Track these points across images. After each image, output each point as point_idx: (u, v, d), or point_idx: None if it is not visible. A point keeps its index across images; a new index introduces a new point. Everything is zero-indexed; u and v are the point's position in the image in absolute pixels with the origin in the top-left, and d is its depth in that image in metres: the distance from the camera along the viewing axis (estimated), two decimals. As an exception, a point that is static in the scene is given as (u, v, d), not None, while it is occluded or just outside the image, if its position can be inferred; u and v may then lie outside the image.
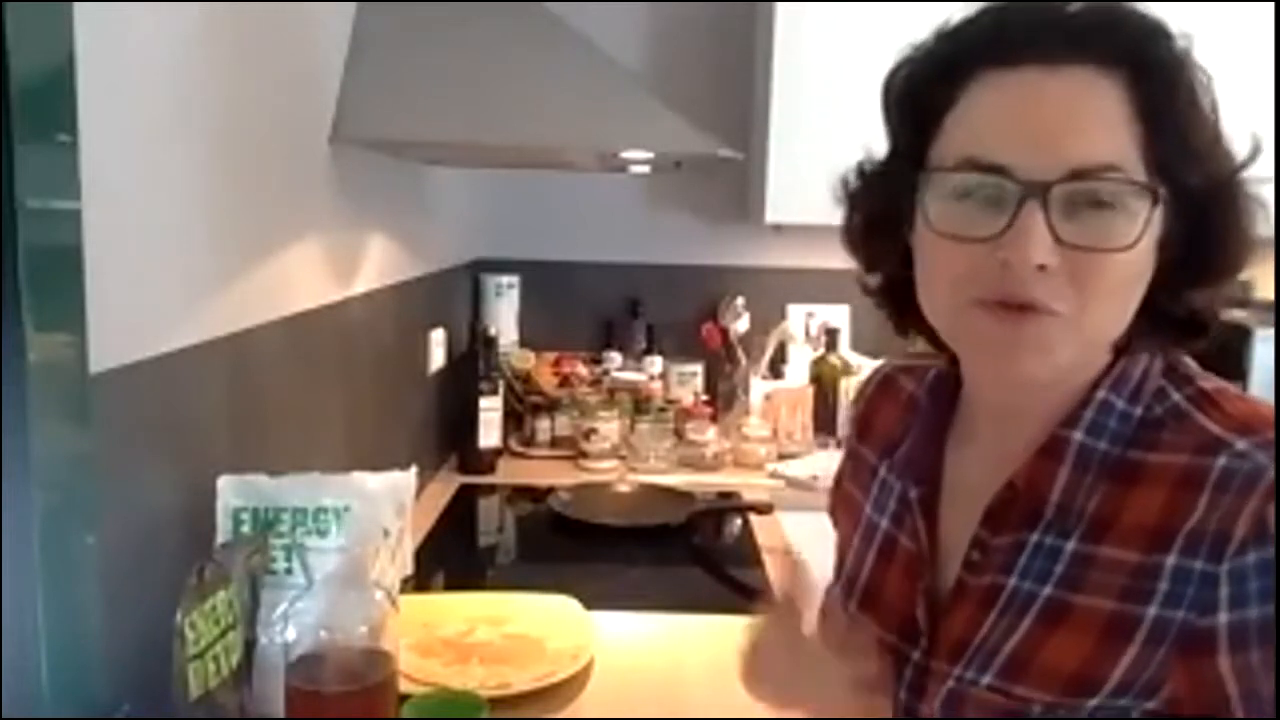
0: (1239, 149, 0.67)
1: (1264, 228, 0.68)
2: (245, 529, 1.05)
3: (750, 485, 2.10)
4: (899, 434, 0.83)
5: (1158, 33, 0.65)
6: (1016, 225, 0.62)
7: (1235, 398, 0.68)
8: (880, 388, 0.90)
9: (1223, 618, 0.61)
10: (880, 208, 0.74)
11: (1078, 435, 0.69)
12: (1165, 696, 0.63)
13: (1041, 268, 0.62)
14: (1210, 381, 0.70)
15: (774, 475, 2.14)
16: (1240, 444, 0.64)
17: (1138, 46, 0.64)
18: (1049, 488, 0.69)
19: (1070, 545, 0.68)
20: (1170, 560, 0.63)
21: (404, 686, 1.03)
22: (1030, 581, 0.69)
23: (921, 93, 0.69)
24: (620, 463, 2.22)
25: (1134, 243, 0.62)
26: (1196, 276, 0.68)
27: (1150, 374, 0.70)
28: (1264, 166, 0.68)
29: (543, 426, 2.30)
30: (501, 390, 2.18)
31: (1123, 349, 0.70)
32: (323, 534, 1.05)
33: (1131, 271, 0.65)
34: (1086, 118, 0.63)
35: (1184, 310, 0.69)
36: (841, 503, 0.91)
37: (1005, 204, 0.63)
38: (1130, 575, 0.65)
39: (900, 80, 0.72)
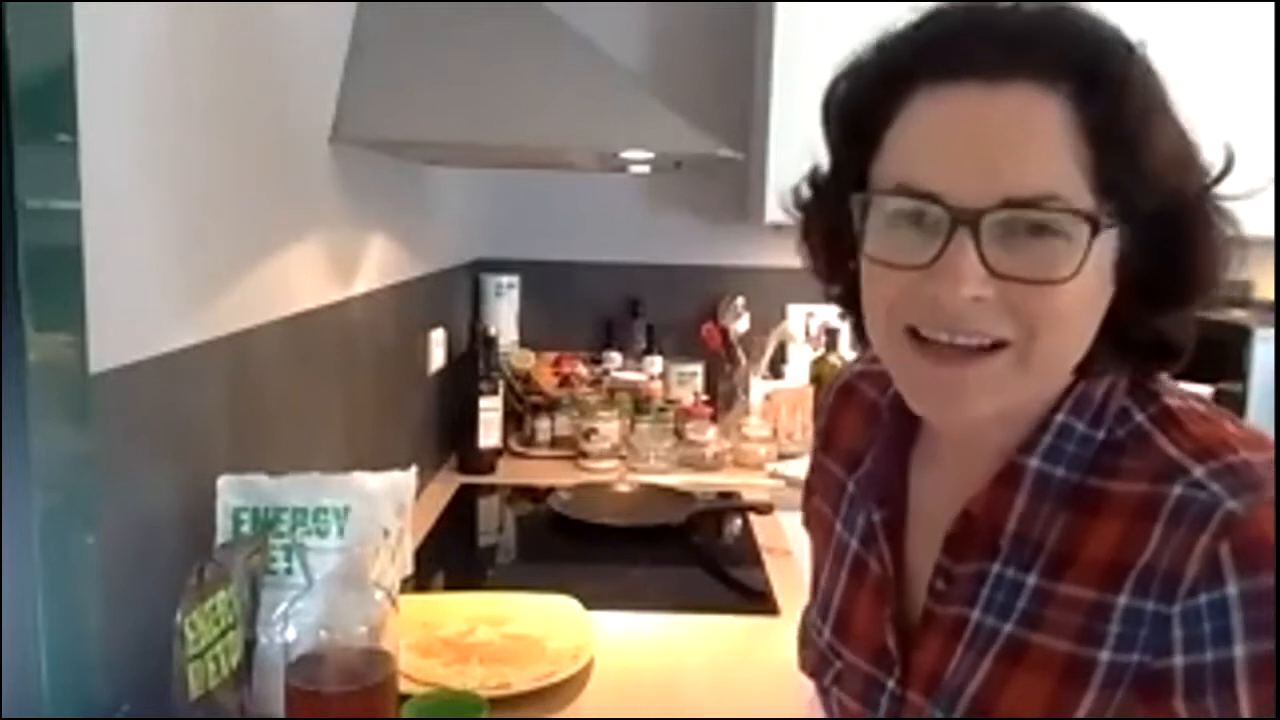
0: (1210, 161, 0.62)
1: (1239, 237, 0.63)
2: (245, 529, 1.05)
3: (750, 485, 2.10)
4: (863, 446, 0.80)
5: (1108, 43, 0.60)
6: (946, 255, 0.59)
7: (1199, 417, 0.65)
8: (841, 396, 0.86)
9: (1178, 660, 0.59)
10: (831, 222, 0.70)
11: (1034, 462, 0.66)
12: None
13: (977, 299, 0.59)
14: (1176, 398, 0.67)
15: (774, 475, 2.14)
16: (1197, 471, 0.61)
17: (1085, 59, 0.59)
18: (1005, 517, 0.66)
19: (1031, 580, 0.65)
20: (1122, 600, 0.61)
21: (404, 686, 1.03)
22: (993, 617, 0.67)
23: (859, 109, 0.66)
24: (620, 463, 2.21)
25: (1074, 273, 0.58)
26: (1161, 299, 0.63)
27: (1114, 394, 0.67)
28: (1260, 175, 0.64)
29: (543, 426, 2.30)
30: (501, 390, 2.18)
31: (1086, 371, 0.66)
32: (323, 534, 1.05)
33: (1078, 301, 0.61)
34: (1024, 142, 0.58)
35: (1151, 334, 0.65)
36: (813, 516, 0.89)
37: (936, 232, 0.59)
38: (1086, 615, 0.62)
39: (838, 95, 0.68)
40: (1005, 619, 0.66)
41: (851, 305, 0.72)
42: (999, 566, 0.67)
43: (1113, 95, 0.59)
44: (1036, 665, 0.64)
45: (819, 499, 0.87)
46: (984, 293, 0.59)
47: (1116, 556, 0.62)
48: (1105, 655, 0.62)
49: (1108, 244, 0.60)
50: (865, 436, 0.80)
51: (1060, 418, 0.66)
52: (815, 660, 0.82)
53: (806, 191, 0.73)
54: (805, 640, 0.86)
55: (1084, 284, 0.60)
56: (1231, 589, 0.57)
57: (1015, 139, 0.59)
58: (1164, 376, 0.68)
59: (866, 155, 0.65)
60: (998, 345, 0.61)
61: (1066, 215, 0.58)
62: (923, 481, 0.76)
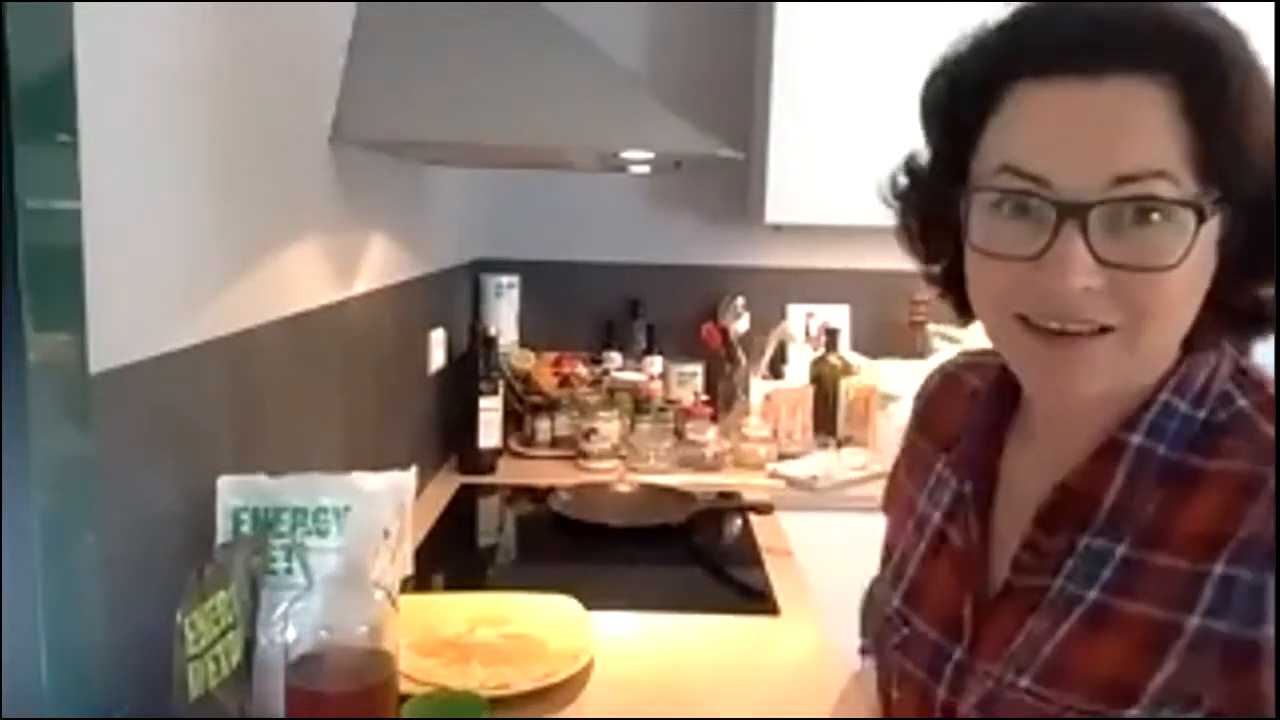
0: None
1: None
2: (245, 529, 1.05)
3: (750, 485, 2.10)
4: (960, 429, 0.81)
5: (1206, 28, 0.61)
6: (1055, 247, 0.60)
7: None
8: (944, 383, 0.88)
9: (1269, 630, 0.59)
10: (930, 210, 0.72)
11: (1136, 439, 0.67)
12: (1209, 709, 0.61)
13: (1086, 289, 0.61)
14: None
15: (774, 475, 2.14)
16: None
17: (1185, 46, 0.60)
18: (1103, 490, 0.67)
19: (1120, 549, 0.66)
20: (1218, 569, 0.61)
21: (404, 686, 1.03)
22: (1075, 584, 0.67)
23: (957, 105, 0.67)
24: (620, 463, 2.21)
25: (1180, 260, 0.60)
26: (1262, 270, 0.65)
27: (1216, 377, 0.68)
28: None
29: (543, 426, 2.30)
30: (501, 390, 2.18)
31: (1186, 343, 0.67)
32: (323, 534, 1.05)
33: (1183, 286, 0.62)
34: (1129, 130, 0.60)
35: (1248, 301, 0.66)
36: (895, 494, 0.90)
37: (1044, 223, 0.61)
38: (1176, 583, 0.63)
39: (935, 92, 0.70)
40: (1089, 587, 0.67)
41: (951, 286, 0.74)
42: (1088, 538, 0.68)
43: (1214, 81, 0.60)
44: (1119, 628, 0.64)
45: (904, 474, 0.89)
46: (1093, 282, 0.61)
47: (1214, 529, 0.62)
48: (1195, 621, 0.61)
49: (1212, 226, 0.61)
50: (963, 421, 0.82)
51: (1164, 396, 0.67)
52: (879, 625, 0.83)
53: (903, 180, 0.75)
54: (869, 610, 0.88)
55: (1190, 268, 0.61)
56: None
57: (1121, 126, 0.60)
58: (1265, 366, 0.70)
59: (966, 150, 0.67)
60: (1105, 329, 0.62)
61: (1172, 204, 0.59)
62: (1016, 460, 0.77)
